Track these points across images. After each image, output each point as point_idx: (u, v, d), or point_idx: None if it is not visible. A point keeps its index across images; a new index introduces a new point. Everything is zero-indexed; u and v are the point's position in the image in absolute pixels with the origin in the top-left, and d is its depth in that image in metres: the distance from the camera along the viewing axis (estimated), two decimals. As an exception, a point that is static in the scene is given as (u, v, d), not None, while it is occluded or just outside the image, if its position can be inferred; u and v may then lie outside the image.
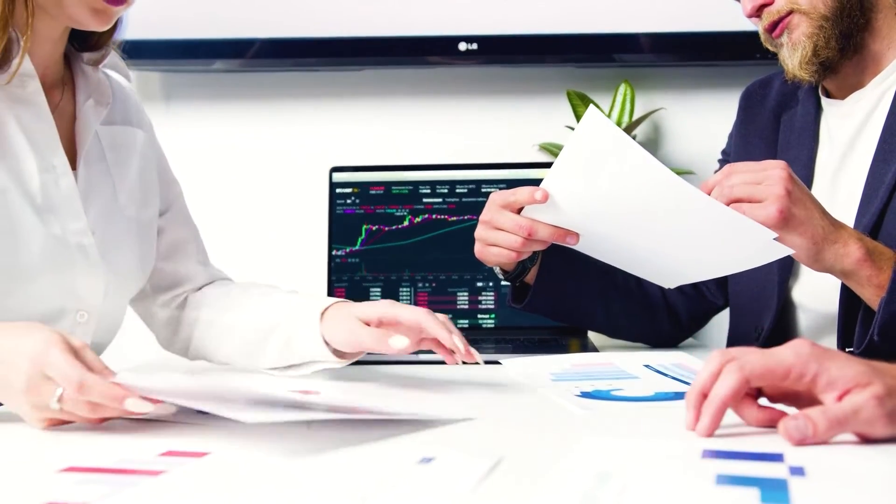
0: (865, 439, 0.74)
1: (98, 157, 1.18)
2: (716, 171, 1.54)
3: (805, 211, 1.06)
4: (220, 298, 1.25)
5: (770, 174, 1.06)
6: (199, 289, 1.29)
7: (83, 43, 1.18)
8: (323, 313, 1.12)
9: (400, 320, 1.06)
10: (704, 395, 0.78)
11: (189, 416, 0.86)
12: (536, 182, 1.14)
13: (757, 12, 1.30)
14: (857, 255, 1.08)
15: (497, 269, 1.34)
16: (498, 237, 1.21)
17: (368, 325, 1.07)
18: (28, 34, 1.03)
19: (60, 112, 1.14)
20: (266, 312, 1.19)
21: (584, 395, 1.00)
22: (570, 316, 1.45)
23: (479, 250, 1.26)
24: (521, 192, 1.16)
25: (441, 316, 1.07)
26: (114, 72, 1.26)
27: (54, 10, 1.05)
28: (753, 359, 0.76)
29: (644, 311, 1.45)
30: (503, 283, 1.67)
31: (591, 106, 1.08)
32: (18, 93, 1.08)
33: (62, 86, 1.16)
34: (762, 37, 1.33)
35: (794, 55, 1.27)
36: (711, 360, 0.79)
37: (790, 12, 1.26)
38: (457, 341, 1.04)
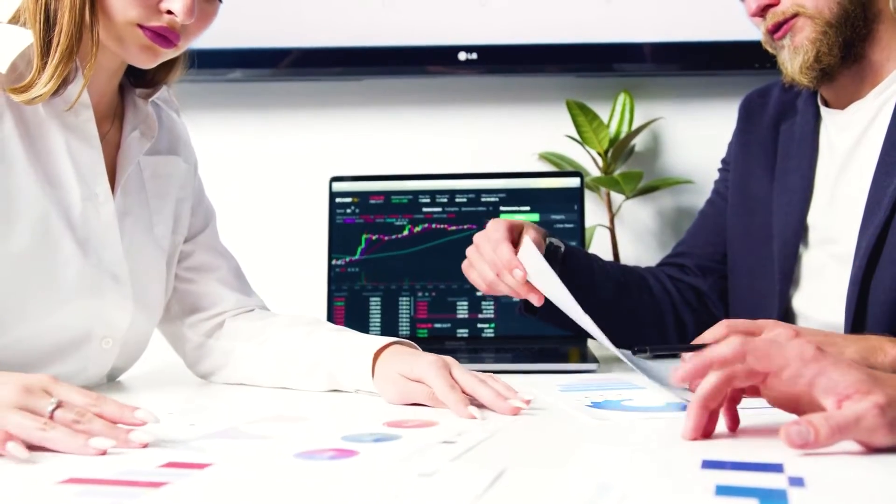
0: (866, 447, 0.74)
1: (138, 187, 1.20)
2: (716, 181, 1.56)
3: None
4: (261, 331, 1.23)
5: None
6: (235, 317, 1.27)
7: (139, 79, 1.20)
8: (376, 356, 1.08)
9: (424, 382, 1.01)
10: (707, 365, 0.79)
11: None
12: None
13: (761, 12, 1.29)
14: None
15: None
16: (477, 263, 1.24)
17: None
18: (91, 63, 1.05)
19: (107, 142, 1.16)
20: (312, 347, 1.16)
21: (595, 405, 1.00)
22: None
23: (464, 266, 1.28)
24: (505, 256, 1.20)
25: (451, 367, 1.02)
26: (165, 104, 1.28)
27: (108, 42, 1.07)
28: (758, 341, 0.78)
29: (655, 322, 1.46)
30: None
31: (526, 239, 1.19)
32: (71, 120, 1.10)
33: (112, 117, 1.19)
34: (763, 38, 1.32)
35: (795, 59, 1.27)
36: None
37: (795, 15, 1.26)
38: (483, 392, 0.98)
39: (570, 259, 1.36)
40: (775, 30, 1.28)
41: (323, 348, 1.15)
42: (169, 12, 1.04)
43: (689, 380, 0.80)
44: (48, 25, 1.03)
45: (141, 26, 1.05)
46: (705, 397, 0.79)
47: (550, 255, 1.32)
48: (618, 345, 1.49)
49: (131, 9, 1.04)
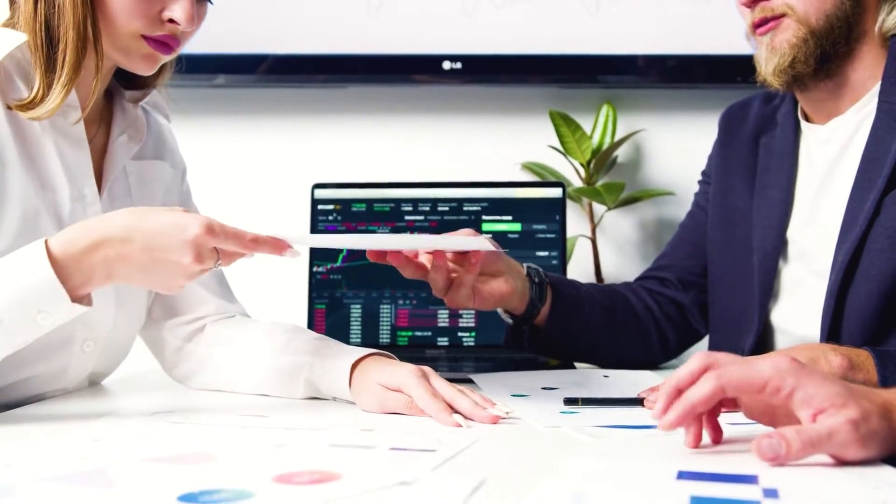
0: (839, 460, 0.75)
1: (123, 191, 1.21)
2: (696, 193, 1.57)
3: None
4: (240, 337, 1.23)
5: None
6: (216, 322, 1.27)
7: (129, 82, 1.21)
8: (353, 367, 1.09)
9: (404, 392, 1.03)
10: (679, 391, 0.79)
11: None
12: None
13: (751, 3, 1.29)
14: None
15: (502, 313, 1.35)
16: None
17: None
18: (98, 77, 1.07)
19: (94, 145, 1.17)
20: (291, 355, 1.16)
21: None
22: (576, 353, 1.44)
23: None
24: None
25: (429, 376, 1.03)
26: (154, 110, 1.28)
27: (118, 56, 1.09)
28: (733, 369, 0.77)
29: (640, 340, 1.46)
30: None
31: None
32: (60, 122, 1.11)
33: (99, 119, 1.19)
34: (746, 29, 1.33)
35: (771, 59, 1.27)
36: (694, 360, 0.80)
37: (783, 14, 1.26)
38: (462, 402, 0.99)
39: (557, 290, 1.35)
40: (760, 24, 1.29)
41: (302, 356, 1.15)
42: (171, 21, 1.07)
43: (676, 427, 0.80)
44: (50, 42, 1.05)
45: (144, 37, 1.07)
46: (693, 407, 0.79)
47: (533, 282, 1.31)
48: (603, 366, 1.49)
49: (135, 20, 1.06)
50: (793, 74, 1.27)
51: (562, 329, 1.36)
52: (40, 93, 1.05)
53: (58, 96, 1.05)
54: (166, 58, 1.12)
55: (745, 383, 0.77)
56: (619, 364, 1.45)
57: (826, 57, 1.27)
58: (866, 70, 1.28)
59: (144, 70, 1.12)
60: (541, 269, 1.35)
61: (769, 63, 1.28)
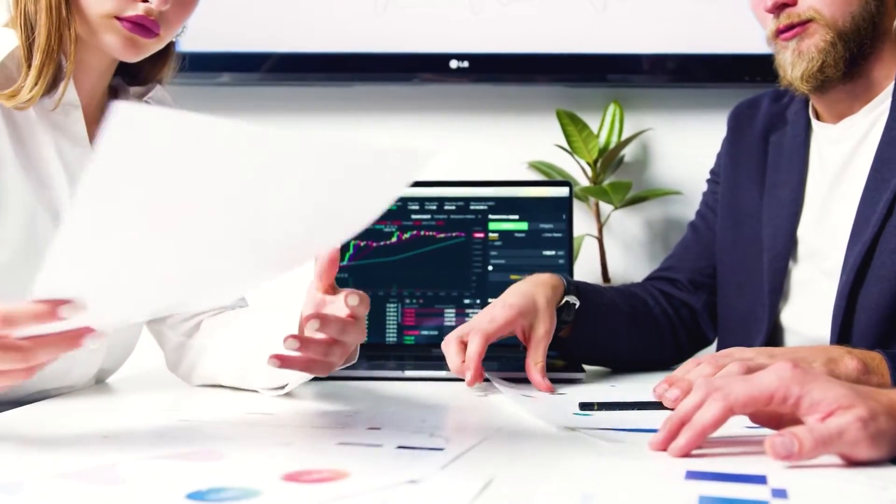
0: (849, 461, 0.75)
1: None
2: (704, 193, 1.56)
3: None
4: (227, 325, 1.23)
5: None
6: (213, 317, 1.26)
7: (133, 77, 1.20)
8: None
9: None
10: (683, 424, 0.79)
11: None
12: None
13: (777, 10, 1.27)
14: None
15: None
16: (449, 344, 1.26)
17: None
18: (71, 59, 1.05)
19: (96, 142, 1.15)
20: (253, 334, 1.16)
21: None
22: (596, 360, 1.44)
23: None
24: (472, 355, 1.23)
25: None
26: (160, 105, 1.28)
27: (90, 39, 1.07)
28: (737, 388, 0.78)
29: (657, 344, 1.45)
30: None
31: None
32: (60, 120, 1.10)
33: (102, 117, 1.18)
34: (767, 34, 1.31)
35: (798, 64, 1.25)
36: (696, 391, 0.80)
37: (810, 20, 1.25)
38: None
39: (581, 306, 1.34)
40: (786, 30, 1.27)
41: (260, 334, 1.13)
42: (144, 0, 1.04)
43: (685, 453, 0.79)
44: (29, 30, 1.04)
45: (118, 18, 1.05)
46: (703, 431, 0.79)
47: (563, 311, 1.30)
48: (621, 369, 1.49)
49: (106, 1, 1.04)
50: (822, 79, 1.25)
51: (584, 341, 1.36)
52: (22, 81, 1.04)
53: (33, 83, 1.03)
54: (150, 43, 1.08)
55: (751, 400, 0.77)
56: (633, 367, 1.44)
57: (854, 59, 1.25)
58: (884, 69, 1.27)
59: (128, 56, 1.08)
60: (577, 302, 1.32)
61: (796, 68, 1.26)
